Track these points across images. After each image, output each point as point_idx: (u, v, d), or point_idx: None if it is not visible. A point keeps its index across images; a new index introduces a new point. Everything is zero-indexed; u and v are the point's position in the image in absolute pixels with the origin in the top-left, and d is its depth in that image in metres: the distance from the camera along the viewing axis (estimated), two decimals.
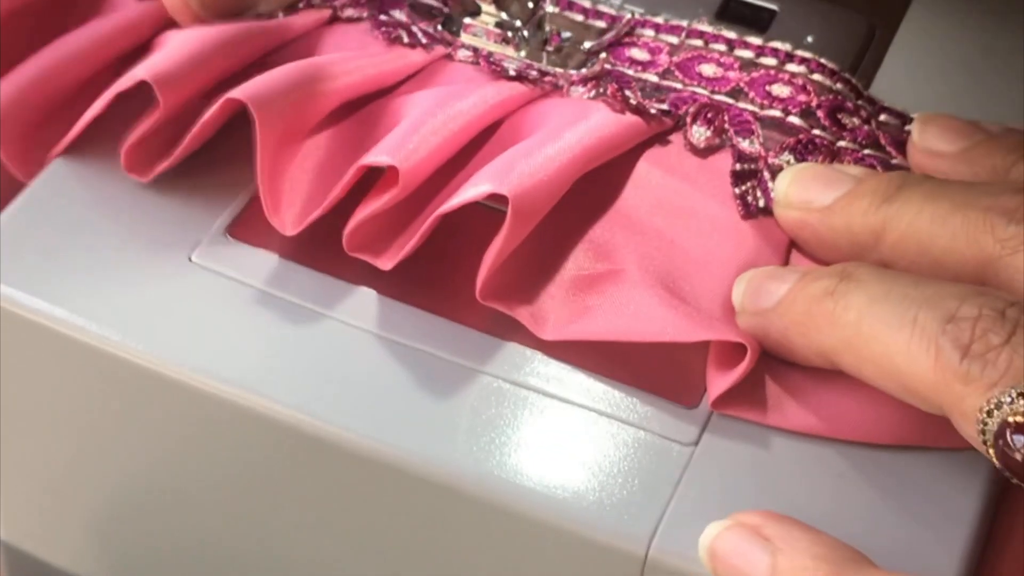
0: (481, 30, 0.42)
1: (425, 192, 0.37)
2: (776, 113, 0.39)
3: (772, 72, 0.40)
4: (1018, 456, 0.30)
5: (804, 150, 0.39)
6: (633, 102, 0.39)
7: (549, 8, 0.42)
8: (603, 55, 0.41)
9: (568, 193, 0.37)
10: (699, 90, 0.40)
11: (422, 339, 0.36)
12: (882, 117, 0.40)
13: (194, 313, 0.36)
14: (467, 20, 0.42)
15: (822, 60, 0.40)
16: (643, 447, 0.34)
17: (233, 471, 0.37)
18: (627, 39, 0.42)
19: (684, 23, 0.42)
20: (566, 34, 0.42)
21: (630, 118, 0.39)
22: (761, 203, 0.38)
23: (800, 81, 0.40)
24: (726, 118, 0.39)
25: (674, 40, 0.41)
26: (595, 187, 0.38)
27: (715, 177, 0.39)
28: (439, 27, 0.42)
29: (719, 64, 0.41)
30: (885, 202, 0.35)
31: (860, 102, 0.40)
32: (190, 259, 0.37)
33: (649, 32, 0.42)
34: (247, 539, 0.39)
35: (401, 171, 0.36)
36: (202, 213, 0.38)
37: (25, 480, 0.41)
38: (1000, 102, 0.41)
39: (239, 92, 0.37)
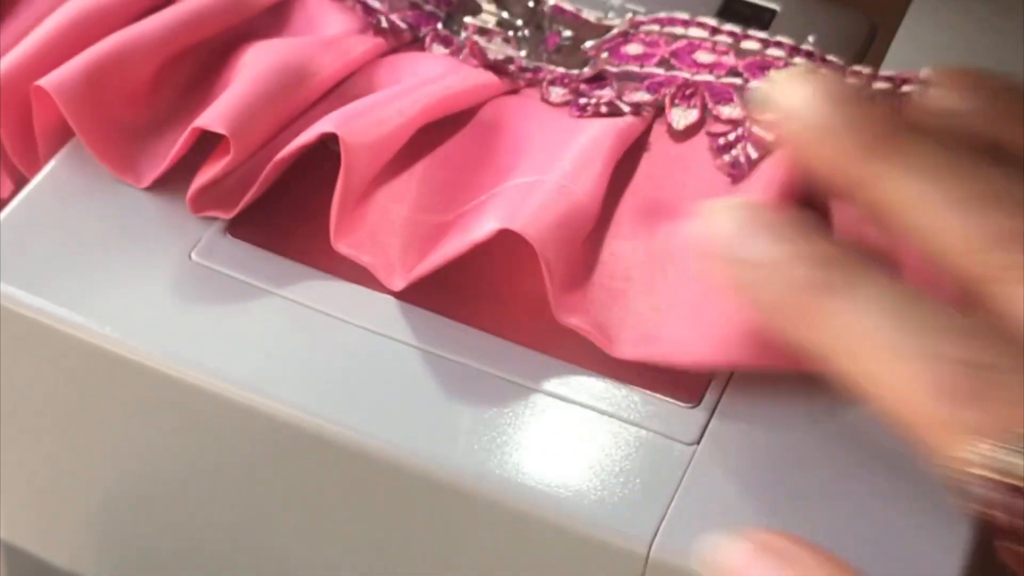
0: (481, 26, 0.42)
1: (270, 147, 0.37)
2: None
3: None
4: (975, 506, 0.28)
5: None
6: (491, 58, 0.40)
7: (549, 7, 0.42)
8: (604, 55, 0.41)
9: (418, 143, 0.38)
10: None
11: (422, 338, 0.36)
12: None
13: (194, 312, 0.36)
14: (467, 19, 0.42)
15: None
16: (644, 446, 0.34)
17: (233, 470, 0.37)
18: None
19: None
20: (566, 33, 0.42)
21: (485, 75, 0.40)
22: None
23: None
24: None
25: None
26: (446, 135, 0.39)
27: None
28: (440, 26, 0.42)
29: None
30: (895, 143, 0.31)
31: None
32: (190, 257, 0.37)
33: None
34: (246, 537, 0.39)
35: (232, 139, 0.36)
36: None
37: (25, 479, 0.41)
38: None
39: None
